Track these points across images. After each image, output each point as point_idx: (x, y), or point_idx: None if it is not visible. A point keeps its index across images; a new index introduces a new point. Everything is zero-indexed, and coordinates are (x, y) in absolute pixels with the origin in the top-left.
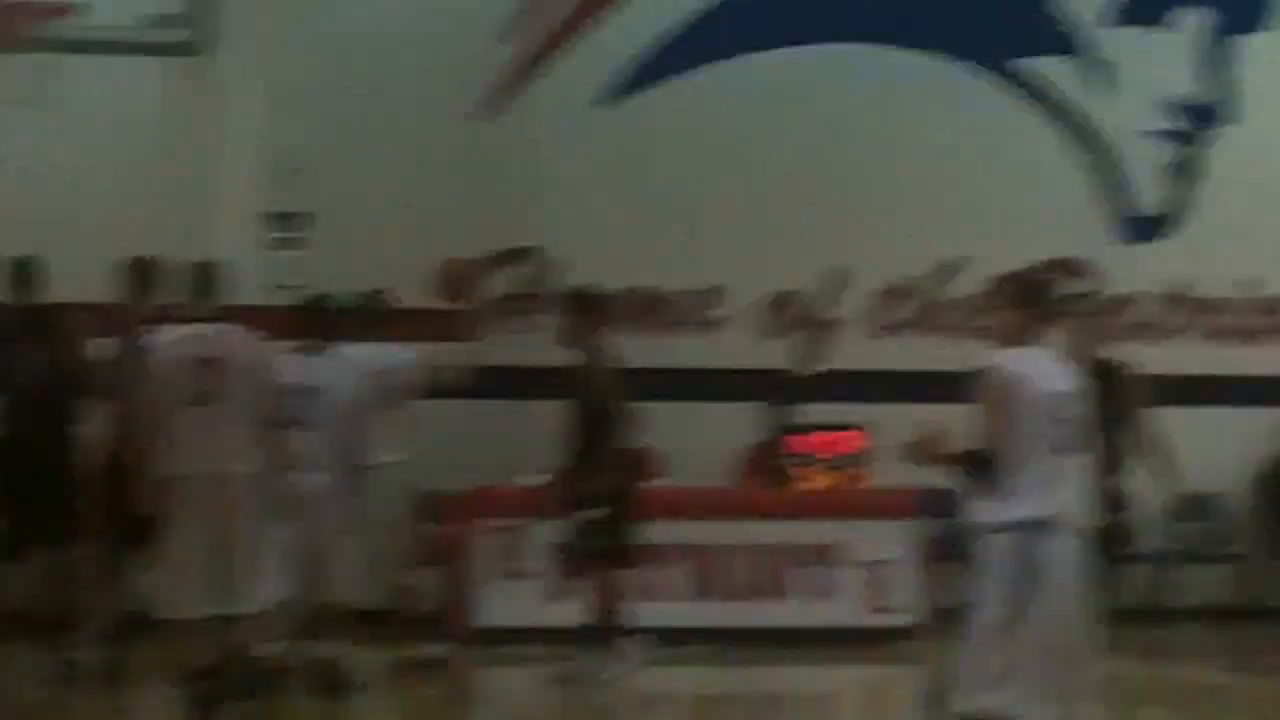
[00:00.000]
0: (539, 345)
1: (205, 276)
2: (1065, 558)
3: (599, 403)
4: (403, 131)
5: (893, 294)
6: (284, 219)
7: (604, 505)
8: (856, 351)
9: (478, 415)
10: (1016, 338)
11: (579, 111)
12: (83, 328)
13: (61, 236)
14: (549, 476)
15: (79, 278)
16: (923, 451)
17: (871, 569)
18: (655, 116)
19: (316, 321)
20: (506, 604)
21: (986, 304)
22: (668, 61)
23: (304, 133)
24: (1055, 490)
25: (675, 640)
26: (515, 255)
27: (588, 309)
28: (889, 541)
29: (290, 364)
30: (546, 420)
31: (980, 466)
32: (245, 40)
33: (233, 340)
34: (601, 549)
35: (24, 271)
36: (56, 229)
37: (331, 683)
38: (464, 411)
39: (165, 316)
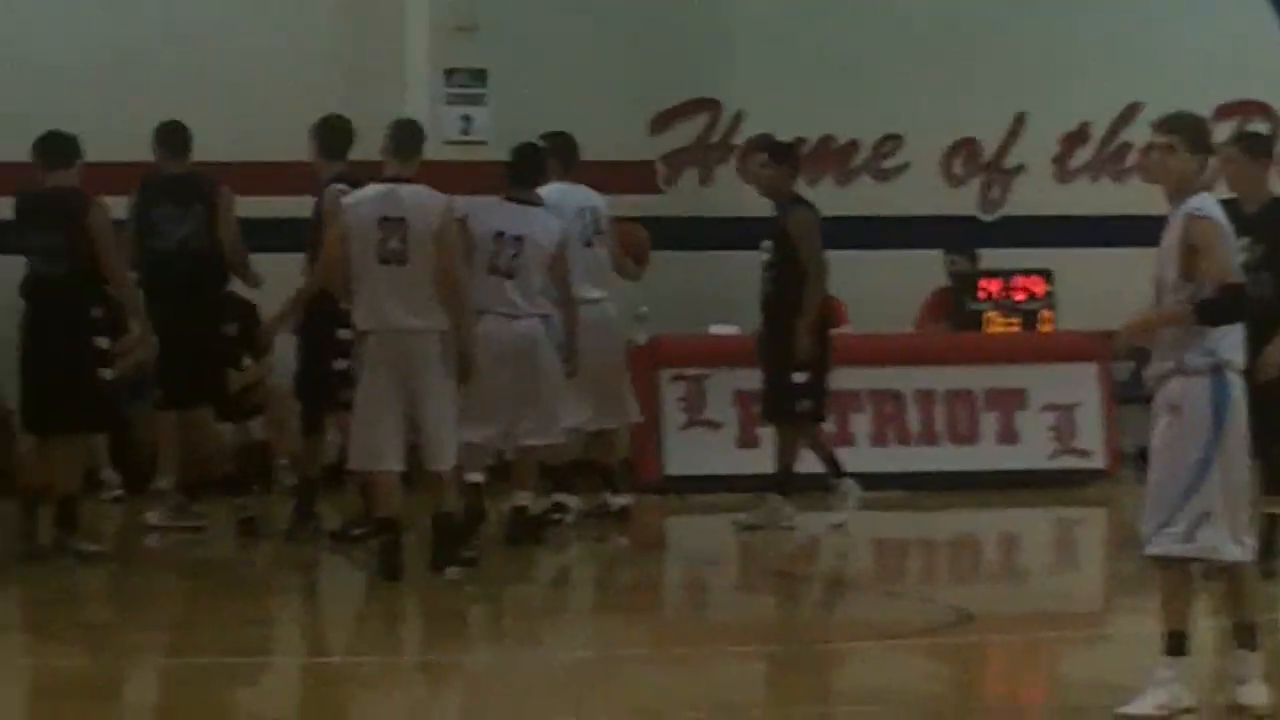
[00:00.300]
0: (721, 196)
1: (403, 136)
2: (1242, 399)
3: (800, 253)
4: None
5: (1073, 139)
6: (461, 76)
7: (808, 362)
8: (1037, 196)
9: (662, 266)
10: (1194, 182)
11: None
12: (230, 191)
13: (242, 97)
14: (736, 327)
15: (261, 138)
16: (1133, 337)
17: (1059, 412)
18: None
19: (525, 169)
20: (695, 452)
21: (1156, 147)
22: None
23: None
24: (1238, 333)
25: (863, 486)
26: (695, 107)
27: (788, 159)
28: (1076, 385)
29: (495, 213)
30: (730, 270)
31: (1213, 313)
32: None
33: (420, 199)
34: (804, 407)
35: (173, 136)
36: (239, 90)
37: (524, 531)
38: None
39: (352, 174)
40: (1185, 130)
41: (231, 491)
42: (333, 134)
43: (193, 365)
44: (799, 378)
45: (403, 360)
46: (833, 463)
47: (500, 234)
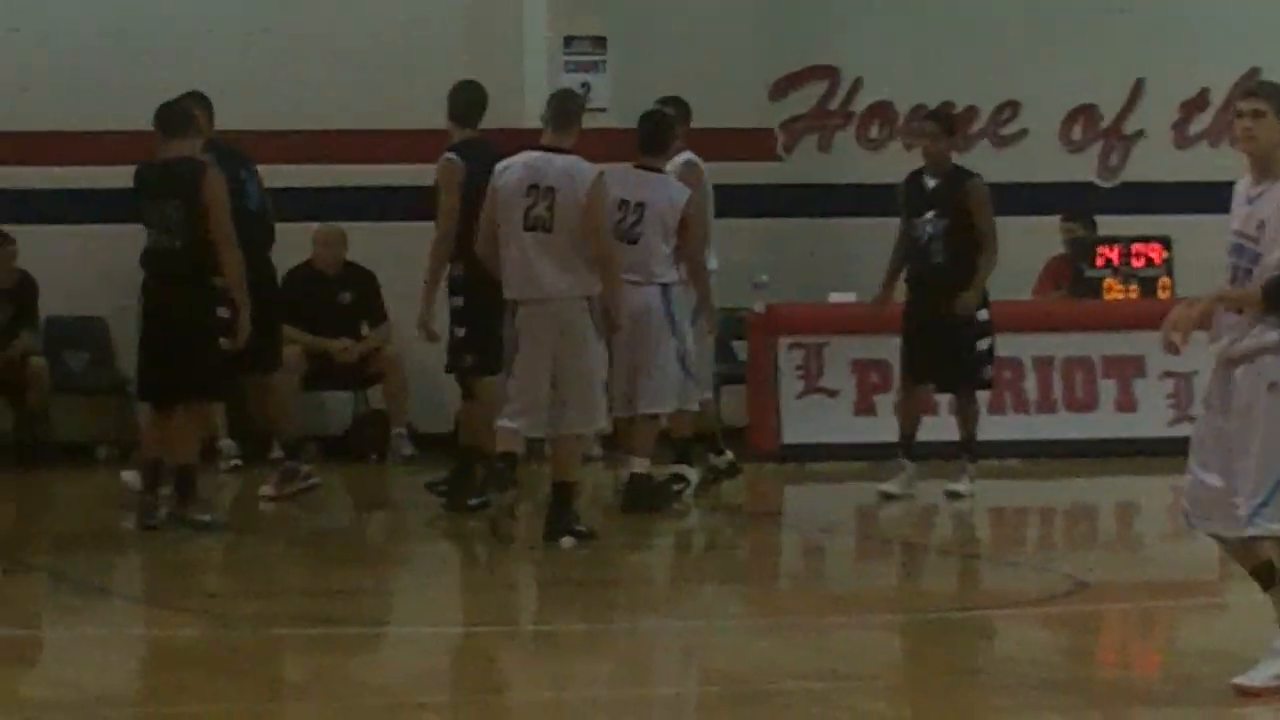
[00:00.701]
0: (840, 163)
1: (561, 106)
2: None
3: (977, 223)
4: None
5: (1191, 105)
6: (580, 43)
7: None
8: (1156, 163)
9: (780, 234)
10: None
11: None
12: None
13: (362, 65)
14: (854, 295)
15: (382, 106)
16: (1191, 325)
17: (1177, 380)
18: None
19: (653, 136)
20: (813, 420)
21: (1244, 114)
22: None
23: None
24: None
25: (982, 453)
26: (814, 74)
27: (953, 129)
28: (1194, 352)
29: (619, 180)
30: (848, 237)
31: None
32: None
33: (571, 169)
34: (987, 374)
35: (209, 105)
36: (359, 58)
37: (641, 498)
38: (767, 230)
39: (475, 142)
40: (1274, 96)
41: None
42: (462, 101)
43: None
44: (982, 345)
45: (551, 326)
46: (971, 437)
47: (623, 201)
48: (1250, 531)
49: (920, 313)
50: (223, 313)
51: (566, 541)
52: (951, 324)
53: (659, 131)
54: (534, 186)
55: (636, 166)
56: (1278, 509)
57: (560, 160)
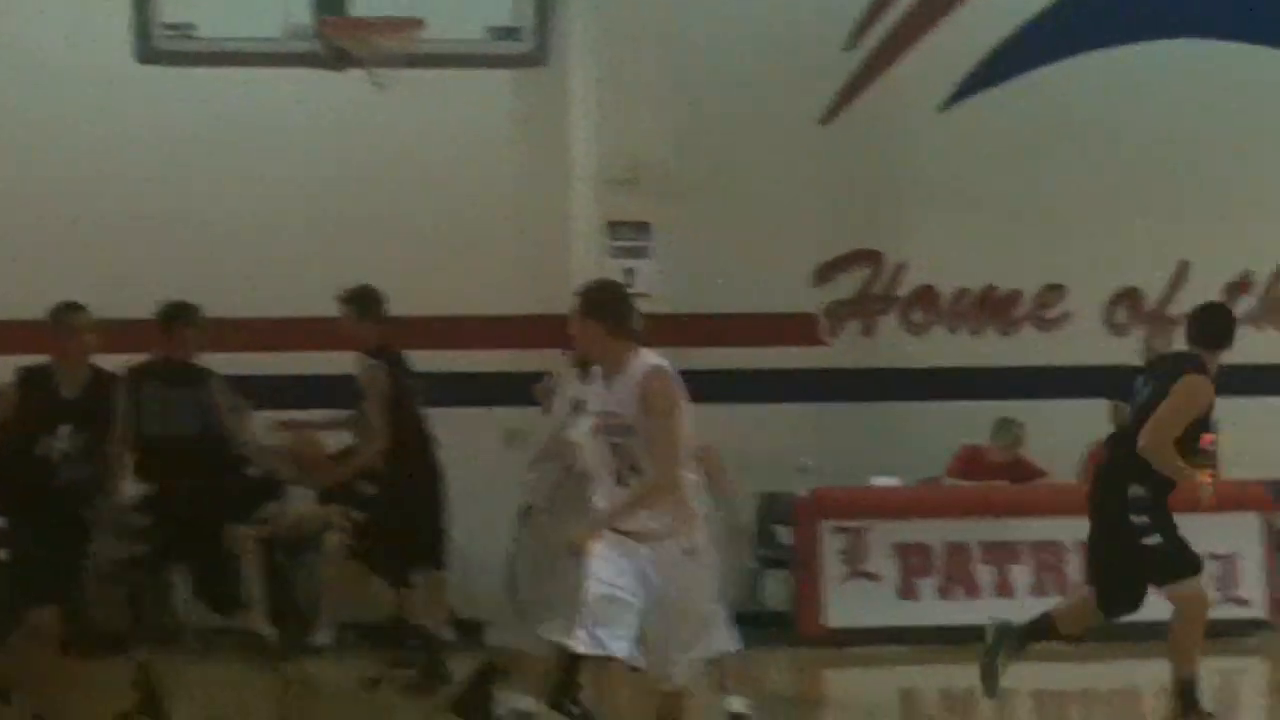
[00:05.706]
0: (884, 348)
1: None
2: None
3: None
4: (743, 139)
5: (1236, 288)
6: (625, 229)
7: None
8: None
9: (824, 418)
10: None
11: (921, 114)
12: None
13: (406, 247)
14: (897, 479)
15: (431, 289)
16: None
17: (1221, 562)
18: (996, 117)
19: None
20: (856, 604)
21: None
22: (1008, 62)
23: (644, 142)
24: None
25: None
26: (857, 259)
27: None
28: (1238, 534)
29: None
30: (892, 422)
31: None
32: (584, 51)
33: None
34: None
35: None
36: (399, 241)
37: None
38: (811, 414)
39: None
40: None
41: None
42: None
43: None
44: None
45: None
46: None
47: None
48: None
49: None
50: None
51: None
52: None
53: None
54: None
55: None
56: None
57: None
